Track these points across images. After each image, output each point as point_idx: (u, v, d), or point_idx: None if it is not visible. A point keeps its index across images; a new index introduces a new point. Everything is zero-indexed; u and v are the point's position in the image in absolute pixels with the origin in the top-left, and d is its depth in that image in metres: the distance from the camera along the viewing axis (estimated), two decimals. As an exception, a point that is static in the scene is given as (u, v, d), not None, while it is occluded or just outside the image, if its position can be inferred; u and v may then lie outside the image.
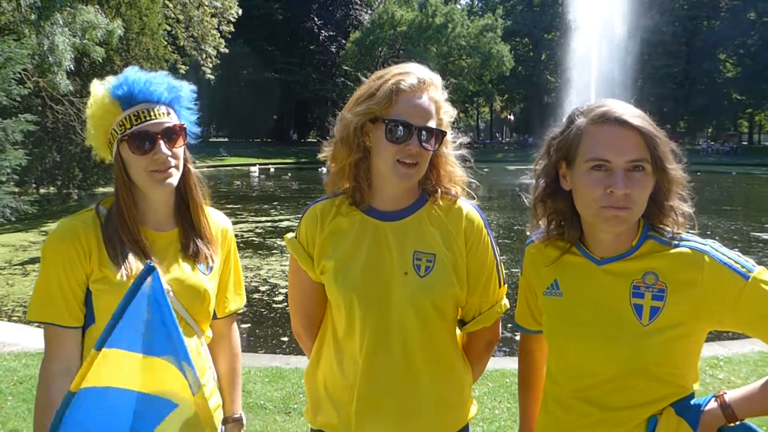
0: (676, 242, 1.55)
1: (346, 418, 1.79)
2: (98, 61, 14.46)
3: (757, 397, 1.51)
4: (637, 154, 1.47)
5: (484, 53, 50.73)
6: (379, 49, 51.36)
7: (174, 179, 1.82)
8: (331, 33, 57.31)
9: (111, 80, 1.82)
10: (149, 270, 1.58)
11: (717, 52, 58.35)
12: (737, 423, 1.51)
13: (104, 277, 1.77)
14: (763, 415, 1.59)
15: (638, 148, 1.47)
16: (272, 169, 35.76)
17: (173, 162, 1.81)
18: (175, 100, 1.86)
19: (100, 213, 1.84)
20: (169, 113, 1.82)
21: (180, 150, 1.84)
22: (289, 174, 30.24)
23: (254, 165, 35.67)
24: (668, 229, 1.57)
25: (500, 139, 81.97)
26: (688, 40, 55.69)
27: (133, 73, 1.81)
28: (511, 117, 74.77)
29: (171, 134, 1.81)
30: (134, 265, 1.77)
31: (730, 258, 1.49)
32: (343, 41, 55.31)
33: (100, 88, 1.81)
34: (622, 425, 1.54)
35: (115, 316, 1.54)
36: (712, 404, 1.52)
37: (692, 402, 1.54)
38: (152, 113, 1.78)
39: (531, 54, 62.93)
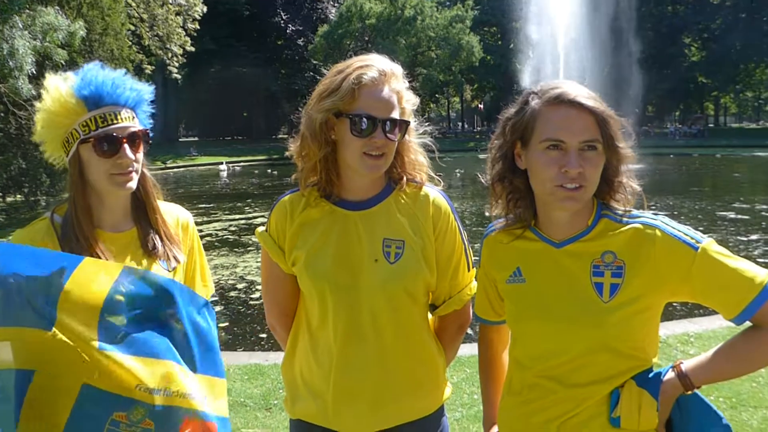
0: (629, 219, 1.60)
1: (324, 406, 1.82)
2: (61, 63, 14.18)
3: (709, 365, 1.56)
4: (590, 134, 1.52)
5: (454, 44, 50.83)
6: (348, 42, 51.18)
7: (133, 183, 1.83)
8: (299, 27, 56.96)
9: (72, 77, 1.80)
10: None
11: (682, 36, 59.21)
12: (692, 392, 1.56)
13: None
14: (718, 381, 1.66)
15: (591, 128, 1.52)
16: (237, 168, 35.60)
17: (135, 166, 1.82)
18: (139, 104, 1.87)
19: (54, 221, 1.84)
20: (133, 117, 1.83)
21: (141, 155, 1.85)
22: (275, 171, 30.12)
23: (221, 163, 35.39)
24: (619, 206, 1.62)
25: (472, 128, 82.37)
26: (654, 25, 56.40)
27: (97, 72, 1.80)
28: (481, 106, 75.08)
29: (135, 139, 1.82)
30: None
31: (680, 231, 1.54)
32: (311, 35, 55.01)
33: (62, 85, 1.79)
34: (586, 400, 1.58)
35: None
36: (670, 374, 1.57)
37: (652, 373, 1.59)
38: (119, 117, 1.78)
39: (500, 43, 63.20)
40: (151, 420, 1.54)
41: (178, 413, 1.58)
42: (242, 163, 39.10)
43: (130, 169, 1.80)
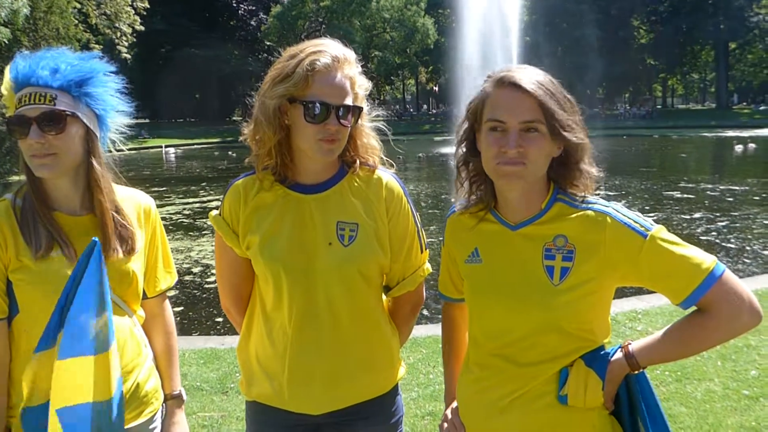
0: (583, 205, 1.63)
1: (279, 388, 1.84)
2: (4, 42, 13.69)
3: (655, 347, 1.61)
4: (530, 115, 1.54)
5: (409, 26, 50.76)
6: (302, 23, 50.58)
7: (51, 169, 1.75)
8: (251, 7, 56.04)
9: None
10: (93, 246, 1.61)
11: (631, 19, 60.32)
12: (639, 372, 1.61)
13: (23, 267, 1.75)
14: (665, 362, 1.70)
15: (532, 110, 1.54)
16: (179, 151, 35.31)
17: (49, 150, 1.73)
18: (72, 85, 1.78)
19: (15, 203, 1.80)
20: (55, 98, 1.73)
21: (63, 137, 1.75)
22: (234, 153, 29.80)
23: (160, 146, 34.88)
24: (577, 192, 1.65)
25: (427, 110, 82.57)
26: (604, 8, 57.26)
27: (32, 54, 1.77)
28: (437, 88, 75.30)
29: (51, 120, 1.72)
30: (51, 249, 1.76)
31: (630, 218, 1.58)
32: (264, 16, 54.16)
33: (8, 68, 1.77)
34: (534, 379, 1.62)
35: (57, 316, 1.57)
36: (618, 354, 1.62)
37: (601, 353, 1.63)
38: (34, 97, 1.71)
39: (454, 25, 63.32)
40: None
41: None
42: (195, 146, 38.50)
43: (43, 151, 1.72)
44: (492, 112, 1.57)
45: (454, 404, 1.88)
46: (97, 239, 1.63)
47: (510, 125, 1.54)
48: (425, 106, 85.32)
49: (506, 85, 1.56)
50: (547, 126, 1.55)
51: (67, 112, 1.75)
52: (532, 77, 1.57)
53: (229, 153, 31.23)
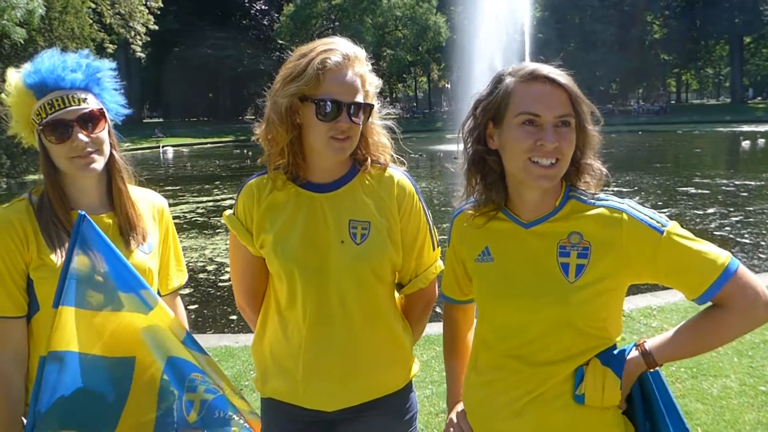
0: (596, 201, 1.63)
1: (294, 384, 1.86)
2: (20, 42, 13.79)
3: (672, 344, 1.60)
4: (564, 109, 1.55)
5: (420, 24, 50.65)
6: (315, 22, 50.63)
7: (98, 164, 1.83)
8: (264, 6, 56.17)
9: (26, 67, 1.81)
10: (81, 219, 1.67)
11: (644, 14, 59.82)
12: (653, 370, 1.61)
13: (44, 265, 1.78)
14: (680, 359, 1.69)
15: (565, 104, 1.55)
16: (183, 150, 35.56)
17: (93, 147, 1.80)
18: (93, 83, 1.85)
19: (32, 201, 1.84)
20: (85, 98, 1.81)
21: (101, 134, 1.84)
22: (250, 152, 29.98)
23: (158, 146, 35.29)
24: (588, 188, 1.65)
25: (439, 108, 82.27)
26: (616, 4, 56.86)
27: (45, 59, 1.80)
28: (449, 86, 74.99)
29: (89, 120, 1.80)
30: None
31: (645, 214, 1.57)
32: (276, 15, 54.27)
33: (14, 77, 1.80)
34: (550, 379, 1.61)
35: (62, 273, 1.64)
36: (634, 353, 1.61)
37: (616, 351, 1.62)
38: (66, 100, 1.77)
39: (466, 22, 63.02)
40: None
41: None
42: (208, 145, 38.69)
43: (89, 150, 1.79)
44: (524, 105, 1.56)
45: (460, 407, 1.87)
46: (84, 213, 1.69)
47: (545, 119, 1.54)
48: (444, 104, 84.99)
49: (539, 79, 1.56)
50: (576, 120, 1.56)
51: (102, 110, 1.84)
52: (559, 71, 1.58)
53: (245, 151, 31.37)
